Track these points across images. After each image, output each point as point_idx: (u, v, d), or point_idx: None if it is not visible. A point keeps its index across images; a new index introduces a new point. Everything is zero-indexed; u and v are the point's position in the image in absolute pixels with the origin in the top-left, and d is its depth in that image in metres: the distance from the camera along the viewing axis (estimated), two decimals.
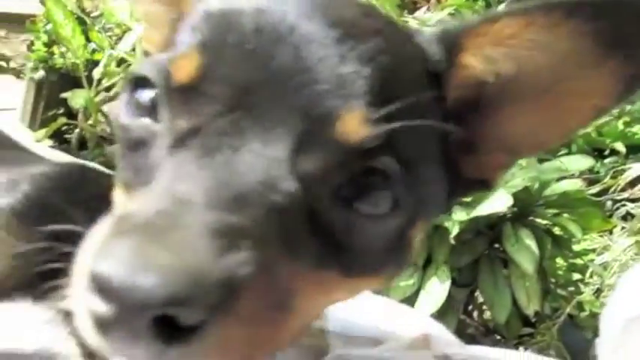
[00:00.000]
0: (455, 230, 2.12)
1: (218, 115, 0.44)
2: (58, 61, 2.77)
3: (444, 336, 0.97)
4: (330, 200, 0.47)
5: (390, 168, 0.48)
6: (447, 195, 0.62)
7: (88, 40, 2.70)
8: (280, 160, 0.43)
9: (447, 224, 2.16)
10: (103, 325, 0.35)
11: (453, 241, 2.12)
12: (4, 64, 2.94)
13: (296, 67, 0.45)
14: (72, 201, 0.49)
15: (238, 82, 0.44)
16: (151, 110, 0.48)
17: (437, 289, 2.16)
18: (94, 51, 2.68)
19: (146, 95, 0.48)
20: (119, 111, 0.52)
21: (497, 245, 2.24)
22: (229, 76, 0.45)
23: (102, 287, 0.34)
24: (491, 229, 2.25)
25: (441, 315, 2.24)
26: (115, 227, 0.38)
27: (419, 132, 0.51)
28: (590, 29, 0.51)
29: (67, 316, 0.65)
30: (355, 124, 0.45)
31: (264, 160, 0.42)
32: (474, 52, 0.56)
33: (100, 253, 0.35)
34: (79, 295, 0.37)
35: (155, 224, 0.36)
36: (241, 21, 0.46)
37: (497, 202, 2.08)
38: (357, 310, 1.04)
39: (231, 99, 0.44)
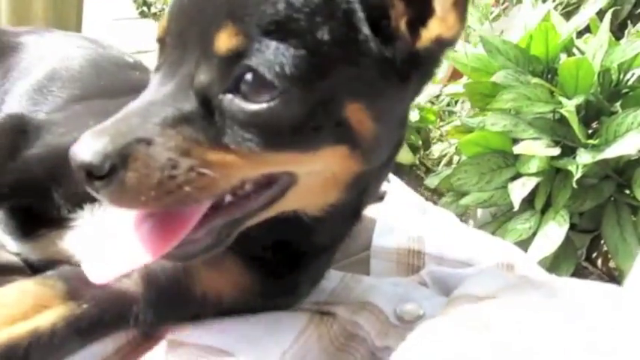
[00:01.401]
0: (578, 174, 2.02)
1: (168, 54, 0.68)
2: None
3: (529, 264, 0.99)
4: (226, 96, 0.64)
5: (260, 64, 0.62)
6: (389, 74, 0.69)
7: None
8: (186, 78, 0.65)
9: (569, 167, 2.07)
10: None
11: (574, 185, 2.03)
12: (145, 9, 3.20)
13: (196, 12, 0.65)
14: None
15: (176, 32, 0.67)
16: None
17: (554, 233, 2.09)
18: None
19: None
20: None
21: (625, 191, 2.10)
22: (173, 30, 0.68)
23: None
24: (620, 173, 2.11)
25: (557, 259, 2.18)
26: None
27: (311, 21, 0.63)
28: None
29: None
30: (225, 38, 0.63)
31: (180, 80, 0.65)
32: None
33: None
34: None
35: (102, 127, 0.63)
36: None
37: (628, 145, 1.95)
38: (453, 237, 1.08)
39: (174, 43, 0.67)
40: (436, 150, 3.01)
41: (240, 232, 0.77)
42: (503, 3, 3.06)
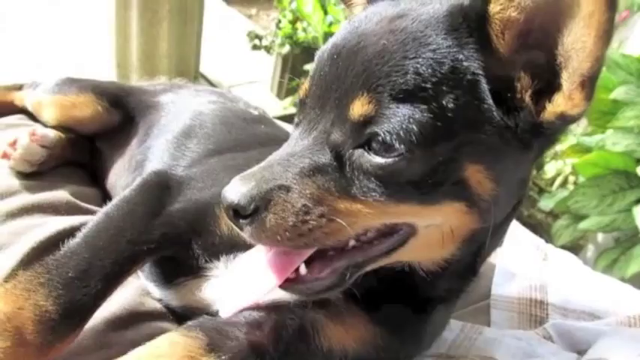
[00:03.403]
0: None
1: (307, 113, 0.76)
2: (301, 35, 3.08)
3: None
4: (356, 150, 0.71)
5: (387, 131, 0.68)
6: (510, 140, 0.71)
7: (325, 13, 2.93)
8: (322, 135, 0.74)
9: None
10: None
11: None
12: (257, 42, 3.36)
13: (336, 80, 0.73)
14: None
15: (316, 95, 0.76)
16: None
17: None
18: (330, 23, 2.91)
19: None
20: None
21: None
22: (314, 93, 0.76)
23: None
24: None
25: None
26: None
27: (438, 93, 0.68)
28: None
29: None
30: (359, 106, 0.69)
31: (316, 136, 0.74)
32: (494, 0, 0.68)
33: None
34: None
35: (249, 172, 0.72)
36: (324, 56, 0.77)
37: None
38: (577, 285, 1.05)
39: (313, 104, 0.76)
40: (550, 169, 2.89)
41: (362, 289, 0.81)
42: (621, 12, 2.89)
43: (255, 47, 3.40)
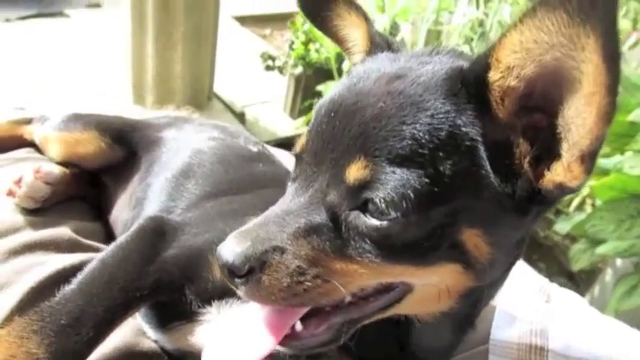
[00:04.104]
0: None
1: (303, 169, 0.75)
2: (313, 56, 3.10)
3: None
4: (352, 212, 0.70)
5: (382, 198, 0.67)
6: (508, 206, 0.69)
7: None
8: (318, 194, 0.72)
9: None
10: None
11: None
12: (271, 62, 3.39)
13: (332, 138, 0.72)
14: None
15: (312, 151, 0.75)
16: None
17: None
18: None
19: None
20: None
21: None
22: (310, 149, 0.75)
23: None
24: None
25: None
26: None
27: (435, 159, 0.66)
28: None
29: None
30: (355, 170, 0.68)
31: (312, 194, 0.73)
32: (496, 66, 0.67)
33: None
34: None
35: (244, 230, 0.72)
36: (321, 111, 0.75)
37: None
38: (580, 330, 1.02)
39: (310, 161, 0.74)
40: None
41: (358, 339, 0.80)
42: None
43: (268, 68, 3.43)
